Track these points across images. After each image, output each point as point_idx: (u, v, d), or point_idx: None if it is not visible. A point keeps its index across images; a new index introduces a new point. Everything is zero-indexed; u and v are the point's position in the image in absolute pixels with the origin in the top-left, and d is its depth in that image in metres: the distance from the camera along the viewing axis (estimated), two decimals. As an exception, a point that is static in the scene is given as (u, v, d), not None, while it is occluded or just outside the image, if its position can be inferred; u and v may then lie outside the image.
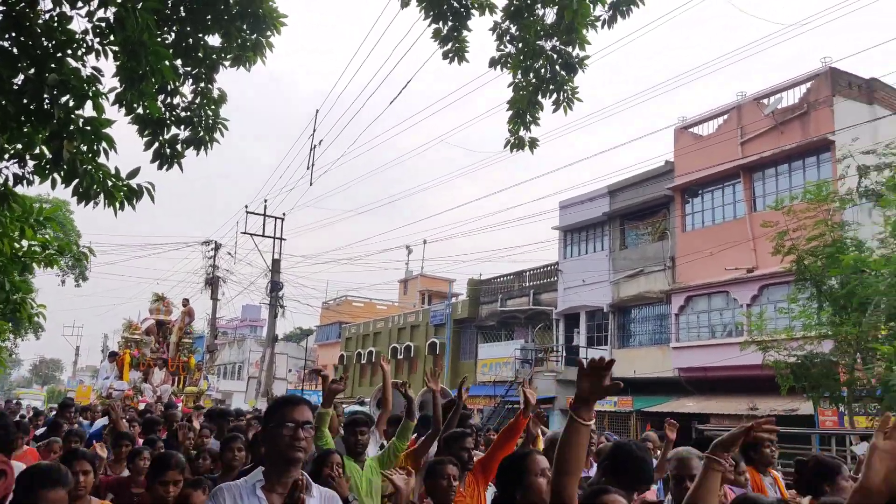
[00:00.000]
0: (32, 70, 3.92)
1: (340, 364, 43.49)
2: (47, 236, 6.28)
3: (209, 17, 5.94)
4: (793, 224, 12.74)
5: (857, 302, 11.94)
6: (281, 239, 27.03)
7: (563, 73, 6.11)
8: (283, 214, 27.74)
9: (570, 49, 6.12)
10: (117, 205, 4.37)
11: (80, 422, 9.52)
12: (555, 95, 6.25)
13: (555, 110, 6.29)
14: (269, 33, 6.35)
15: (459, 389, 5.49)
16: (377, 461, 4.82)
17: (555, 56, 6.22)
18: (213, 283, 28.74)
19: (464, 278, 35.70)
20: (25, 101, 3.94)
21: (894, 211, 12.41)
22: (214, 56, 6.20)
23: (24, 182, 4.50)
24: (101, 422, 9.03)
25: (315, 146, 21.41)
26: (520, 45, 6.37)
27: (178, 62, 6.02)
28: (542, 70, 6.27)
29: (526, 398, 5.06)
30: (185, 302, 20.28)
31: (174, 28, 5.87)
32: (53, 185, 4.50)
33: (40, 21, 4.07)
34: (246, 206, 26.84)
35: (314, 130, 21.42)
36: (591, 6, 5.82)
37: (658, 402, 21.90)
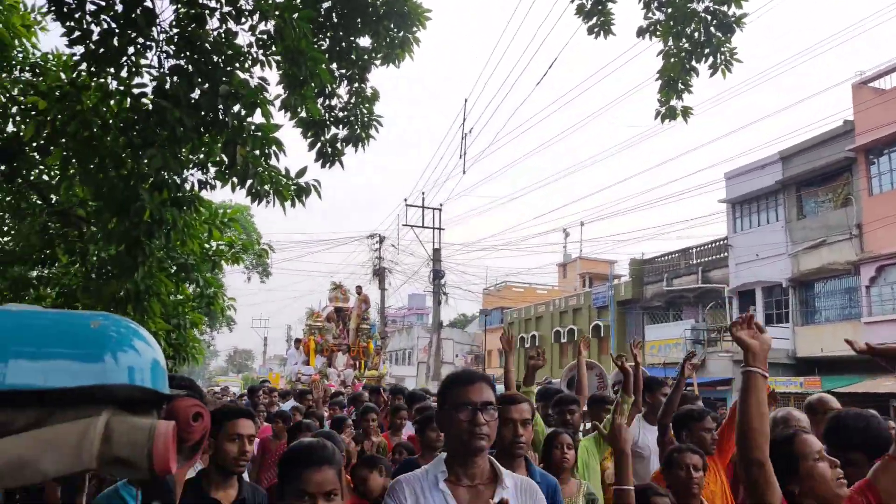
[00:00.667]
0: (206, 85, 4.32)
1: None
2: (232, 237, 6.90)
3: (359, 20, 6.25)
4: None
5: None
6: (440, 229, 27.77)
7: (718, 34, 5.79)
8: (441, 205, 28.46)
9: (725, 8, 5.79)
10: (287, 203, 4.71)
11: (279, 404, 9.60)
12: (710, 59, 5.94)
13: (712, 74, 5.97)
14: (414, 29, 6.56)
15: (682, 365, 5.17)
16: (593, 442, 4.43)
17: (709, 17, 5.90)
18: (379, 273, 30.10)
19: (625, 259, 34.77)
20: (202, 113, 4.37)
21: None
22: (366, 56, 6.52)
23: (208, 187, 4.98)
24: (290, 403, 9.39)
25: (466, 134, 21.74)
26: (669, 10, 6.10)
27: (334, 65, 6.39)
28: (696, 33, 5.97)
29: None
30: (360, 289, 20.67)
31: (328, 34, 6.23)
32: (233, 189, 4.95)
33: (209, 38, 4.48)
34: (405, 199, 27.85)
35: (464, 119, 21.84)
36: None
37: (850, 382, 20.10)
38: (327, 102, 6.26)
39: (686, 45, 6.05)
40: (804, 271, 23.26)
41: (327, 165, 6.14)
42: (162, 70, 4.64)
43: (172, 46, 4.72)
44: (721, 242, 27.66)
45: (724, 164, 32.04)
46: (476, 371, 2.28)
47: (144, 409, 1.10)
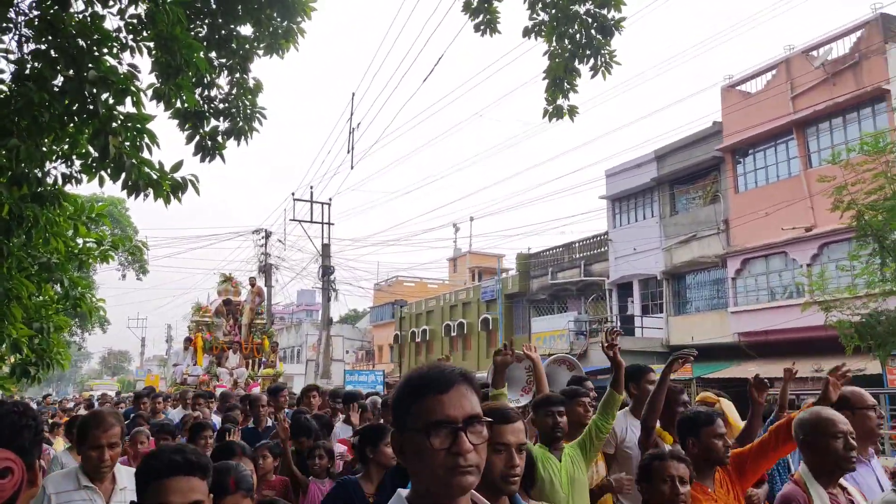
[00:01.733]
0: (71, 70, 4.00)
1: (396, 343, 44.00)
2: (101, 233, 6.46)
3: (240, 7, 5.99)
4: (851, 178, 12.25)
5: (922, 256, 11.49)
6: (329, 224, 27.36)
7: (599, 36, 5.97)
8: (330, 199, 28.06)
9: (604, 11, 5.98)
10: (164, 197, 4.45)
11: (166, 413, 8.87)
12: (592, 60, 6.11)
13: (593, 76, 6.15)
14: (299, 19, 6.37)
15: (671, 361, 4.25)
16: (578, 448, 3.92)
17: (590, 20, 6.07)
18: (266, 270, 29.31)
19: (513, 253, 35.59)
20: (67, 101, 4.04)
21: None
22: (247, 46, 6.26)
23: (73, 181, 4.63)
24: (178, 412, 8.78)
25: (353, 129, 21.48)
26: (553, 11, 6.24)
27: (213, 54, 6.10)
28: (578, 35, 6.13)
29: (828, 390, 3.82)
30: (253, 281, 19.34)
31: (206, 21, 5.94)
32: (101, 182, 4.61)
33: (73, 21, 4.15)
34: (293, 194, 27.24)
35: (352, 113, 21.48)
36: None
37: (719, 368, 21.50)
38: (206, 93, 5.97)
39: (569, 46, 6.20)
40: (677, 264, 24.65)
41: (207, 159, 5.85)
42: (22, 54, 4.26)
43: (32, 30, 4.35)
44: (601, 237, 28.84)
45: (605, 162, 33.35)
46: (451, 367, 1.55)
47: None
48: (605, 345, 4.24)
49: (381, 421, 6.24)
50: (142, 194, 4.58)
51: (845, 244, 17.67)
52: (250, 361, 17.44)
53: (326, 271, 26.71)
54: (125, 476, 3.37)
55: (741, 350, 21.71)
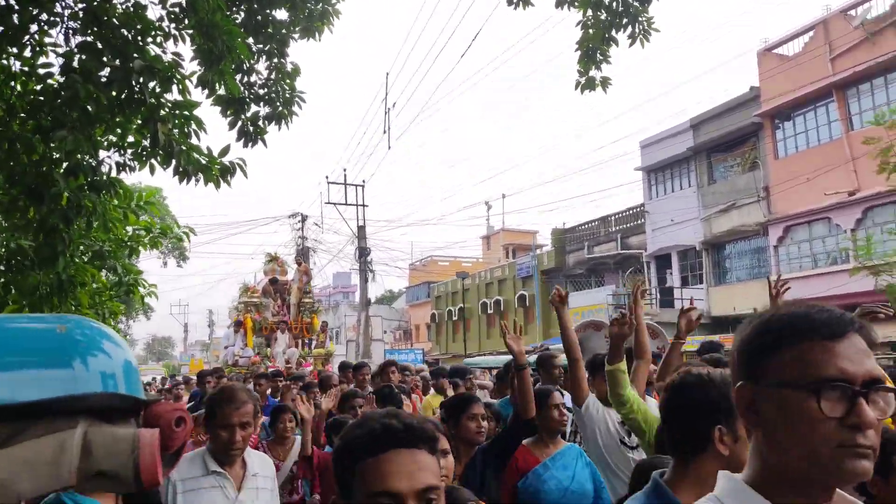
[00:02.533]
0: (117, 61, 4.10)
1: (433, 322, 44.27)
2: (148, 220, 6.62)
3: (275, -9, 6.04)
4: (896, 139, 11.95)
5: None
6: (363, 206, 27.52)
7: (636, 3, 5.88)
8: (363, 181, 28.18)
9: (641, -22, 5.89)
10: (214, 181, 4.55)
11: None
12: (629, 28, 6.04)
13: (631, 44, 6.08)
14: (334, 1, 6.41)
15: (681, 317, 4.10)
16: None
17: (626, -13, 6.00)
18: (303, 253, 29.63)
19: (547, 229, 35.41)
20: (114, 92, 4.14)
21: None
22: (284, 30, 6.32)
23: (126, 169, 4.75)
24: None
25: (389, 109, 21.51)
26: (588, -20, 6.17)
27: (251, 40, 6.17)
28: (614, 3, 6.06)
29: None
30: (300, 260, 18.61)
31: (243, 6, 6.00)
32: (152, 170, 4.74)
33: (117, 13, 4.24)
34: (327, 177, 27.44)
35: (386, 94, 21.52)
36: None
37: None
38: (246, 79, 6.05)
39: (604, 15, 6.13)
40: (716, 234, 24.30)
41: (249, 144, 5.95)
42: (69, 47, 4.37)
43: (78, 22, 4.45)
44: (638, 209, 28.53)
45: (639, 133, 32.88)
46: (838, 310, 1.12)
47: (122, 418, 1.03)
48: (632, 302, 4.02)
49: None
50: (192, 179, 4.70)
51: (890, 207, 17.25)
52: (300, 341, 16.86)
53: (363, 253, 26.94)
54: (257, 461, 3.12)
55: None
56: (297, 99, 6.33)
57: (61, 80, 4.34)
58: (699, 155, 25.20)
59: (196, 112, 4.63)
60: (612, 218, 30.21)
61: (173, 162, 4.25)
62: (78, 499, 0.95)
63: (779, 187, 21.62)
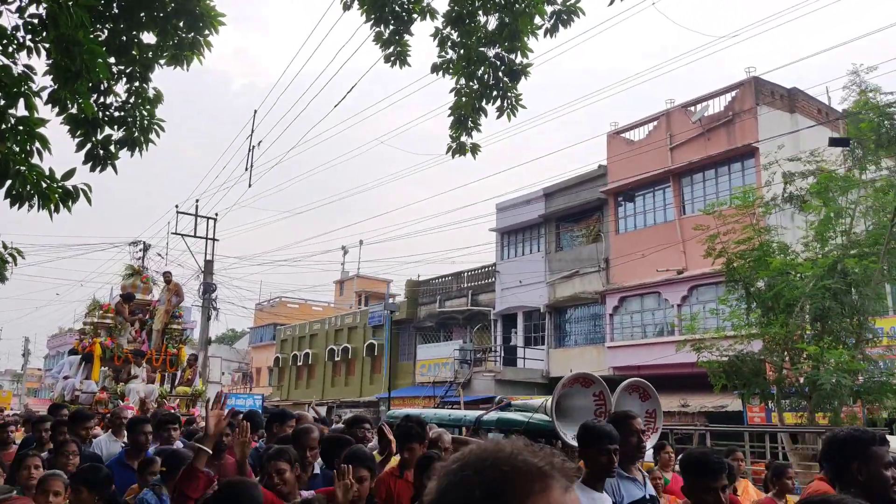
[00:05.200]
0: (-42, 67, 3.73)
1: (276, 366, 42.81)
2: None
3: (143, 14, 5.79)
4: (722, 227, 13.22)
5: (783, 303, 12.46)
6: (213, 239, 26.40)
7: (506, 79, 6.18)
8: (216, 215, 27.11)
9: (513, 56, 6.20)
10: (52, 207, 4.19)
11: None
12: (498, 102, 6.31)
13: (498, 116, 6.35)
14: (206, 32, 6.21)
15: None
16: None
17: (498, 63, 6.28)
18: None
19: (401, 280, 35.65)
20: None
21: (817, 216, 13.01)
22: (149, 54, 6.03)
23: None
24: (107, 438, 6.89)
25: (254, 147, 20.97)
26: (462, 51, 6.41)
27: (112, 60, 5.83)
28: (486, 76, 6.32)
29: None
30: (169, 276, 15.14)
31: (107, 25, 5.69)
32: (-20, 188, 4.30)
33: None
34: (176, 206, 26.09)
35: (252, 131, 21.00)
36: (532, 17, 5.91)
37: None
38: (102, 100, 5.69)
39: (476, 86, 6.38)
40: (559, 298, 25.56)
41: (98, 169, 5.56)
42: None
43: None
44: (489, 268, 29.48)
45: (498, 197, 34.26)
46: None
47: None
48: None
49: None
50: (26, 203, 4.31)
51: (713, 287, 18.94)
52: (162, 376, 14.20)
53: (208, 288, 25.72)
54: None
55: (616, 383, 22.63)
56: (155, 126, 6.02)
57: None
58: (549, 223, 26.60)
59: (43, 130, 4.28)
60: (465, 274, 30.99)
61: (7, 183, 3.87)
62: None
63: (617, 260, 23.19)
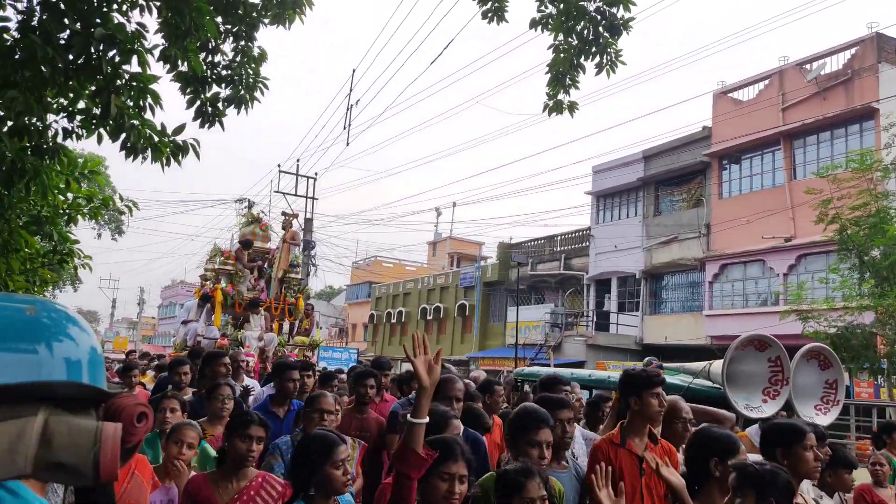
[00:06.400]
0: (78, 25, 3.95)
1: (371, 323, 44.03)
2: (90, 190, 6.40)
3: (250, -26, 5.92)
4: (836, 192, 12.46)
5: (900, 274, 11.74)
6: (313, 198, 27.20)
7: (606, 34, 5.98)
8: (316, 174, 27.88)
9: (614, 10, 5.99)
10: (164, 160, 4.42)
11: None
12: (598, 58, 6.12)
13: (598, 73, 6.17)
14: (308, -9, 6.31)
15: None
16: None
17: (598, 17, 6.08)
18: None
19: (494, 242, 35.66)
20: (72, 56, 3.99)
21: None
22: (255, 14, 6.19)
23: (73, 136, 4.58)
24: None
25: (352, 105, 21.32)
26: (561, 5, 6.23)
27: (219, 19, 6.02)
28: (585, 31, 6.14)
29: None
30: (289, 223, 14.42)
31: (215, -16, 5.86)
32: (100, 140, 4.58)
33: (86, -25, 4.10)
34: (279, 166, 26.98)
35: (350, 90, 21.35)
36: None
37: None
38: (210, 58, 5.89)
39: (575, 42, 6.21)
40: (656, 264, 24.92)
41: (206, 126, 5.80)
42: (30, 4, 4.19)
43: (40, -21, 4.27)
44: (584, 232, 29.03)
45: (594, 159, 33.53)
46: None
47: (84, 408, 0.99)
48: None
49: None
50: (140, 156, 4.56)
51: (822, 256, 17.96)
52: (280, 325, 13.75)
53: (307, 246, 26.60)
54: None
55: (713, 353, 22.00)
56: (260, 84, 6.20)
57: (17, 36, 4.16)
58: (648, 186, 25.82)
59: (154, 87, 4.50)
60: (558, 238, 30.65)
61: (122, 136, 4.10)
62: (17, 489, 0.90)
63: (720, 226, 22.31)
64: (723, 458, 3.00)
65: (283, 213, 14.88)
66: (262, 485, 3.20)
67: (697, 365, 6.61)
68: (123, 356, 15.87)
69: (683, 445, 3.89)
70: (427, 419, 2.52)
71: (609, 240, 26.62)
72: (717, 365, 5.94)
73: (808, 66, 20.67)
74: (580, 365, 24.46)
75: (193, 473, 3.51)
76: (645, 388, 3.60)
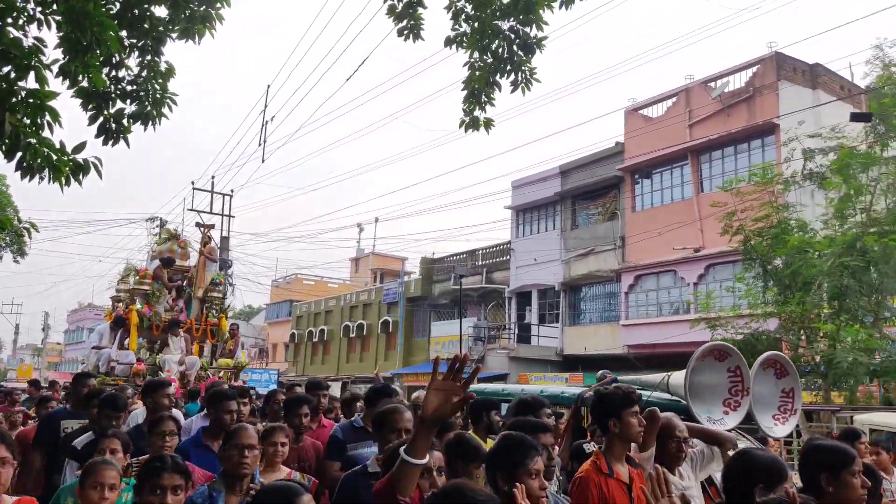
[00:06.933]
0: (-31, 39, 3.72)
1: (292, 342, 43.17)
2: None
3: (156, -13, 5.74)
4: (740, 205, 13.08)
5: (801, 281, 12.36)
6: (230, 216, 26.54)
7: (520, 53, 6.08)
8: (232, 191, 27.18)
9: (527, 29, 6.10)
10: (63, 180, 4.20)
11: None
12: (513, 76, 6.22)
13: (513, 90, 6.26)
14: (218, 5, 6.16)
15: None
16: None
17: (512, 36, 6.18)
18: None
19: (416, 257, 35.69)
20: (-38, 71, 3.76)
21: (837, 193, 12.83)
22: (161, 28, 5.99)
23: (-38, 156, 4.29)
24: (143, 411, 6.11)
25: (267, 122, 20.95)
26: (476, 24, 6.30)
27: (123, 33, 5.80)
28: (500, 50, 6.22)
29: None
30: (208, 239, 13.82)
31: (119, -2, 5.64)
32: (-6, 161, 4.31)
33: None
34: (193, 183, 26.20)
35: (265, 106, 20.99)
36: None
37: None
38: (113, 73, 5.66)
39: (490, 59, 6.29)
40: (574, 276, 25.48)
41: (110, 143, 5.56)
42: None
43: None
44: (504, 246, 29.41)
45: (512, 174, 34.11)
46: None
47: None
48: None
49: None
50: (37, 176, 4.31)
51: (730, 266, 18.79)
52: (201, 347, 13.03)
53: (224, 265, 25.88)
54: None
55: (630, 362, 22.67)
56: (168, 100, 6.00)
57: None
58: (565, 200, 26.44)
59: (53, 103, 4.27)
60: (480, 252, 30.94)
61: (18, 155, 3.87)
62: None
63: (633, 238, 23.04)
64: (769, 486, 2.67)
65: (198, 225, 14.20)
66: None
67: (655, 377, 6.41)
68: (26, 385, 14.90)
69: (680, 467, 3.81)
70: (427, 459, 2.16)
71: (529, 253, 27.07)
72: (676, 376, 5.72)
73: (712, 84, 21.68)
74: (503, 378, 24.69)
75: None
76: (623, 408, 3.37)
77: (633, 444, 3.52)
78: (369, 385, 6.69)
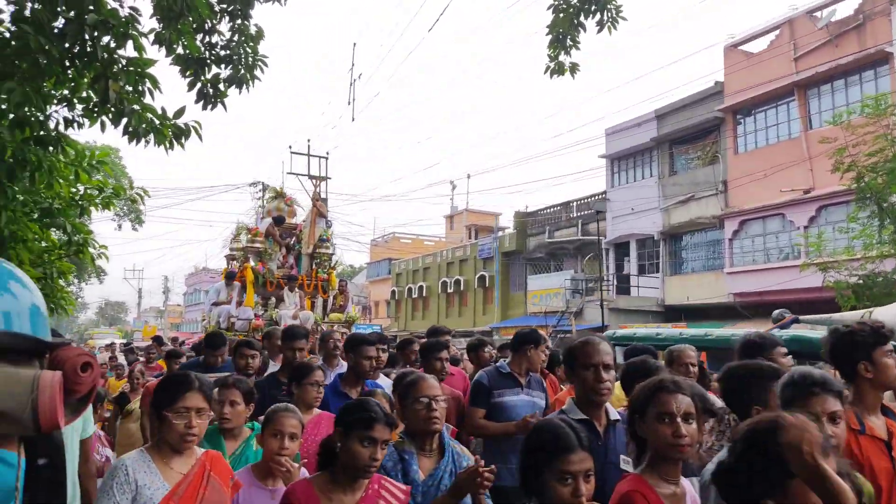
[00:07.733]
0: (71, 12, 3.96)
1: (392, 299, 44.26)
2: (101, 180, 6.45)
3: (243, -49, 5.89)
4: (852, 140, 12.22)
5: (919, 219, 11.54)
6: (326, 178, 27.18)
7: (604, -11, 5.88)
8: (327, 153, 27.78)
9: (611, -37, 5.89)
10: (167, 143, 4.44)
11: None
12: (598, 15, 6.04)
13: (599, 31, 6.09)
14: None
15: None
16: None
17: (596, -28, 5.99)
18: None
19: (510, 211, 35.50)
20: (67, 44, 4.01)
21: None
22: (250, -9, 6.16)
23: (75, 125, 4.61)
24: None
25: (355, 80, 21.17)
26: (559, -37, 6.15)
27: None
28: (583, -12, 6.05)
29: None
30: (318, 196, 13.93)
31: (207, -36, 5.83)
32: (103, 128, 4.61)
33: (75, -38, 4.09)
34: (290, 147, 26.90)
35: (353, 63, 21.22)
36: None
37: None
38: (207, 39, 5.89)
39: (574, 0, 6.12)
40: (674, 224, 24.70)
41: (209, 107, 5.82)
42: (20, -6, 4.20)
43: (31, -31, 4.28)
44: (599, 196, 28.80)
45: (605, 120, 33.16)
46: None
47: (24, 359, 1.00)
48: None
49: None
50: (143, 140, 4.59)
51: (843, 207, 17.70)
52: (314, 303, 13.05)
53: (327, 224, 26.65)
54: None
55: (735, 310, 21.90)
56: (259, 63, 6.19)
57: (12, 28, 4.18)
58: (662, 146, 25.52)
59: (153, 71, 4.50)
60: (574, 203, 30.46)
61: (123, 121, 4.12)
62: None
63: (737, 182, 22.02)
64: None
65: (311, 177, 14.54)
66: (379, 493, 2.63)
67: (853, 314, 5.46)
68: (150, 341, 16.10)
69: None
70: None
71: (625, 203, 26.40)
72: (881, 312, 4.97)
73: (818, 14, 20.19)
74: (602, 329, 24.44)
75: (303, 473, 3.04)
76: (876, 347, 2.85)
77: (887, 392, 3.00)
78: (468, 338, 6.73)
